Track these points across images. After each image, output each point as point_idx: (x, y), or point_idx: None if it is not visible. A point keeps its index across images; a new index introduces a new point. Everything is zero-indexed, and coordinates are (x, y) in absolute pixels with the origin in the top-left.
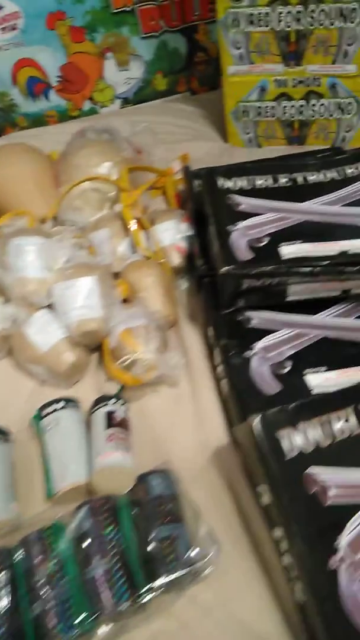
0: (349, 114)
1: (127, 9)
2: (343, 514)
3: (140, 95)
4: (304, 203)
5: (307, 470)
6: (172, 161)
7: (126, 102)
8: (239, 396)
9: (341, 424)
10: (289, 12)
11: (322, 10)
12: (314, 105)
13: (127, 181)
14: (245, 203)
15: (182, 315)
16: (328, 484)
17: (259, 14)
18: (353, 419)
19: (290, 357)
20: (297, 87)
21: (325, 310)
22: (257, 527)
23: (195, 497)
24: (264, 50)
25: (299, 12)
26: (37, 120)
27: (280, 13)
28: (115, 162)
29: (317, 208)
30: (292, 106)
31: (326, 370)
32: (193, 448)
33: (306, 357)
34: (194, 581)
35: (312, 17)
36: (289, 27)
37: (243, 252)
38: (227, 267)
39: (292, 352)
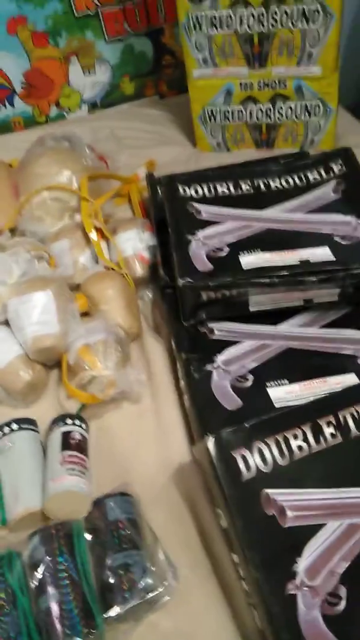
0: (315, 116)
1: (91, 12)
2: (301, 536)
3: (108, 100)
4: (265, 210)
5: (263, 492)
6: (138, 167)
7: (93, 106)
8: (199, 412)
9: (299, 442)
10: (251, 14)
11: (285, 12)
12: (280, 108)
13: (87, 190)
14: (206, 211)
15: (146, 327)
16: (286, 506)
17: (221, 16)
18: (310, 437)
19: (252, 370)
20: (263, 90)
21: (289, 320)
22: (218, 550)
23: (155, 518)
24: (228, 53)
25: (261, 14)
26: (3, 127)
27: (242, 15)
28: (75, 171)
29: (279, 215)
30: (259, 110)
31: (289, 383)
32: (155, 466)
33: (269, 370)
34: (152, 609)
35: (274, 19)
36: (251, 29)
37: (202, 263)
38: (185, 279)
39: (255, 364)
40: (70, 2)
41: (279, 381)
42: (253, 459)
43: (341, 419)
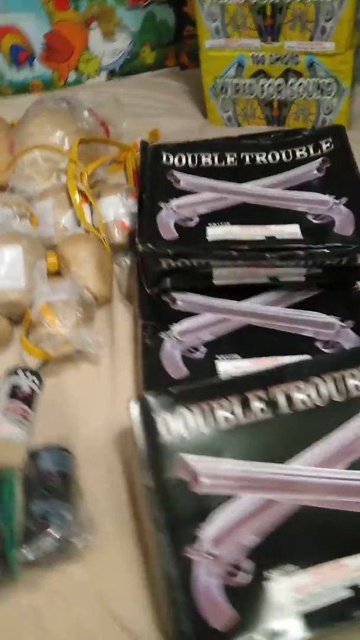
0: (328, 95)
1: None
2: (212, 504)
3: (127, 68)
4: (245, 184)
5: (179, 455)
6: (140, 136)
7: (112, 74)
8: (145, 378)
9: (225, 412)
10: None
11: None
12: (292, 84)
13: (76, 152)
14: (185, 180)
15: (120, 294)
16: (200, 472)
17: None
18: (238, 409)
19: (207, 343)
20: (274, 64)
21: (254, 297)
22: (141, 512)
23: (92, 477)
24: (240, 23)
25: None
26: (22, 89)
27: None
28: (68, 132)
29: (256, 190)
30: (270, 85)
31: (240, 358)
32: (101, 427)
33: (223, 344)
34: (69, 559)
35: None
36: None
37: (168, 231)
38: (145, 245)
39: (211, 337)
40: None
41: (230, 355)
42: (175, 424)
43: (272, 395)
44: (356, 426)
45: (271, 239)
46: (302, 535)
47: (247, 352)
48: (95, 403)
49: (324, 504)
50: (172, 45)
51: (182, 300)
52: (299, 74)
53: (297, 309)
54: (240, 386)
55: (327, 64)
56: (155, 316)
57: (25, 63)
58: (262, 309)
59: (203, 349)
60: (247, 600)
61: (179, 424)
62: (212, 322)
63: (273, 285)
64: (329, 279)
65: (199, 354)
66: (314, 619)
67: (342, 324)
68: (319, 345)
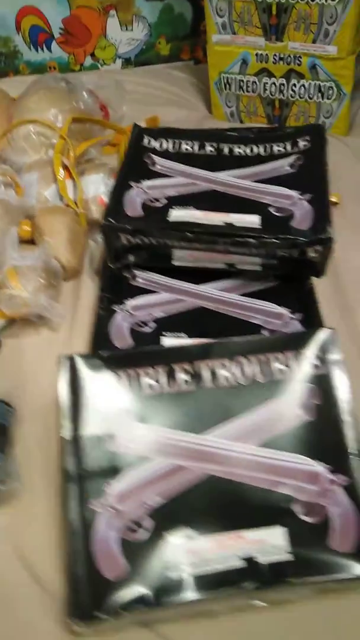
0: (329, 98)
1: None
2: (123, 463)
3: (143, 58)
4: (218, 173)
5: (99, 414)
6: (139, 121)
7: (128, 62)
8: (92, 345)
9: (150, 380)
10: None
11: None
12: (294, 85)
13: (67, 129)
14: (160, 164)
15: (91, 269)
16: (116, 432)
17: None
18: (163, 378)
19: (157, 319)
20: (277, 63)
21: (213, 282)
22: None
23: (29, 431)
24: (246, 21)
25: None
26: (39, 70)
27: None
28: (62, 110)
29: (227, 179)
30: (273, 84)
31: (186, 337)
32: (47, 388)
33: (172, 322)
34: None
35: None
36: None
37: (133, 209)
38: (107, 220)
39: (162, 315)
40: None
41: (177, 333)
42: (99, 384)
43: (197, 369)
44: (273, 408)
45: (229, 226)
46: (206, 503)
47: (194, 333)
48: (47, 365)
49: (232, 477)
50: (187, 39)
51: (143, 277)
52: (301, 75)
53: (252, 297)
54: (168, 357)
55: (328, 67)
56: (113, 289)
57: (43, 45)
58: (217, 294)
59: (152, 325)
60: (141, 555)
61: (103, 386)
62: (166, 300)
63: (234, 273)
64: (285, 271)
65: (147, 329)
66: (203, 582)
67: (292, 315)
68: (265, 333)
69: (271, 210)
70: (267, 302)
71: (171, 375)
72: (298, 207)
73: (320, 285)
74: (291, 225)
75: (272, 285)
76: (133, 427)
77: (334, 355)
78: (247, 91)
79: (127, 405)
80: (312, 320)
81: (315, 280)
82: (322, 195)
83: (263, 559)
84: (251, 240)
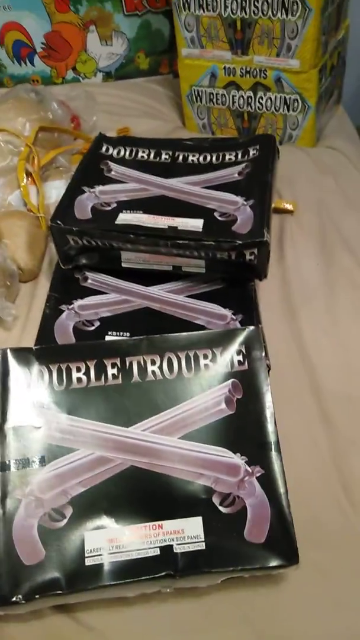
0: (294, 110)
1: None
2: (50, 454)
3: (122, 72)
4: (169, 179)
5: (26, 406)
6: (110, 131)
7: (108, 76)
8: (36, 344)
9: (80, 374)
10: None
11: (265, 1)
12: (261, 97)
13: (33, 138)
14: (115, 170)
15: (50, 269)
16: (42, 423)
17: None
18: (92, 372)
19: (102, 319)
20: (244, 77)
21: (161, 284)
22: None
23: None
24: (213, 35)
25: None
26: (22, 82)
27: None
28: (29, 119)
29: (177, 185)
30: (241, 96)
31: (128, 335)
32: None
33: (117, 321)
34: None
35: (255, 6)
36: (234, 14)
37: (83, 212)
38: (54, 222)
39: (108, 314)
40: None
41: (120, 333)
42: (28, 378)
43: (127, 363)
44: (197, 402)
45: (171, 229)
46: (127, 493)
47: (138, 332)
48: None
49: (154, 468)
50: (166, 54)
51: (93, 278)
52: (267, 88)
53: (198, 299)
54: (99, 352)
55: (292, 80)
56: (62, 290)
57: (26, 59)
58: (163, 295)
59: (97, 324)
60: (59, 542)
61: (32, 379)
62: (113, 301)
63: (182, 275)
64: (227, 274)
65: (91, 328)
66: (118, 569)
67: (234, 317)
68: None
69: (216, 215)
70: (211, 304)
71: (101, 369)
72: (241, 212)
73: (270, 290)
74: (232, 229)
75: (218, 288)
76: (59, 419)
77: (257, 352)
78: (217, 104)
79: (55, 397)
80: (250, 321)
81: (265, 285)
82: (264, 201)
83: (179, 548)
84: (191, 242)
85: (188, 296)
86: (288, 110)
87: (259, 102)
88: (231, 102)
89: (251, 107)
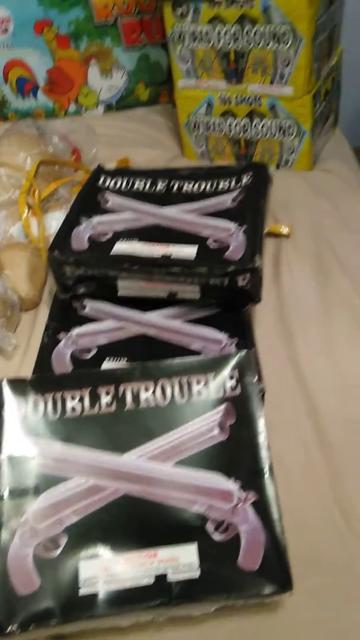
0: (290, 136)
1: (109, 22)
2: (45, 482)
3: (123, 103)
4: (165, 208)
5: (21, 436)
6: (110, 162)
7: (109, 107)
8: (34, 373)
9: (74, 403)
10: (227, 31)
11: (257, 32)
12: (257, 124)
13: (34, 171)
14: (112, 201)
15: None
16: (38, 452)
17: (201, 31)
18: (87, 401)
19: (99, 346)
20: (240, 105)
21: (159, 310)
22: None
23: None
24: (208, 66)
25: (236, 31)
26: (27, 115)
27: (219, 31)
28: (31, 154)
29: (172, 214)
30: (237, 124)
31: (125, 361)
32: None
33: (115, 349)
34: None
35: (248, 37)
36: (228, 45)
37: (80, 242)
38: (52, 252)
39: (105, 342)
40: (91, 11)
41: (118, 358)
42: (24, 408)
43: (121, 391)
44: (190, 428)
45: (164, 257)
46: (121, 522)
47: (134, 359)
48: None
49: (148, 496)
50: (165, 84)
51: (91, 307)
52: (262, 115)
53: (195, 323)
54: (93, 380)
55: (287, 107)
56: (60, 318)
57: (29, 93)
58: (159, 321)
59: (94, 352)
60: (53, 572)
61: (27, 409)
62: (111, 328)
63: (179, 301)
64: (222, 299)
65: (89, 355)
66: (112, 598)
67: (229, 341)
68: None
69: (209, 241)
70: (207, 328)
71: (95, 397)
72: (234, 238)
73: (266, 313)
74: (224, 256)
75: (213, 313)
76: (53, 448)
77: (249, 377)
78: (215, 132)
79: (50, 427)
80: (245, 345)
81: (261, 308)
82: (257, 227)
83: (173, 576)
84: (184, 269)
85: (185, 321)
86: (284, 135)
87: (255, 129)
88: (228, 130)
89: (247, 134)
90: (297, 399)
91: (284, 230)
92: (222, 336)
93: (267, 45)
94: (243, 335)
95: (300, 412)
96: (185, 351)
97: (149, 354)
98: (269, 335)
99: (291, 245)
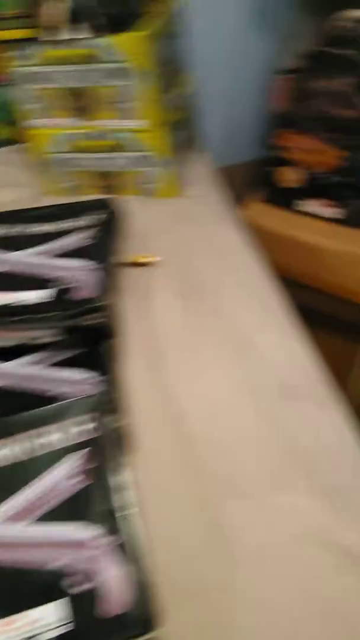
0: (150, 166)
1: None
2: None
3: None
4: (12, 253)
5: None
6: None
7: None
8: None
9: None
10: (69, 71)
11: (99, 69)
12: (114, 158)
13: None
14: None
15: None
16: None
17: (40, 72)
18: None
19: None
20: (94, 140)
21: (22, 358)
22: None
23: None
24: (55, 105)
25: (78, 70)
26: None
27: (62, 71)
28: None
29: (19, 258)
30: (94, 159)
31: None
32: None
33: None
34: None
35: (87, 76)
36: (73, 83)
37: None
38: None
39: None
40: None
41: None
42: None
43: None
44: (48, 481)
45: (6, 306)
46: None
47: None
48: None
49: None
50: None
51: None
52: (118, 148)
53: (60, 366)
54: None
55: (141, 138)
56: None
57: None
58: (18, 370)
59: None
60: None
61: None
62: None
63: (40, 346)
64: (83, 338)
65: None
66: None
67: (93, 379)
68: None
69: (57, 284)
70: (70, 370)
71: None
72: (84, 277)
73: (135, 343)
74: (73, 296)
75: (77, 353)
76: None
77: (109, 417)
78: (72, 167)
79: None
80: (107, 380)
81: (130, 339)
82: (107, 264)
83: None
84: (32, 316)
85: (47, 366)
86: (144, 166)
87: (112, 161)
88: (86, 165)
89: (107, 168)
90: (167, 427)
91: (149, 259)
92: (85, 376)
93: (111, 81)
94: (105, 371)
95: (172, 439)
96: (44, 399)
97: (7, 408)
98: (138, 366)
99: (157, 273)
